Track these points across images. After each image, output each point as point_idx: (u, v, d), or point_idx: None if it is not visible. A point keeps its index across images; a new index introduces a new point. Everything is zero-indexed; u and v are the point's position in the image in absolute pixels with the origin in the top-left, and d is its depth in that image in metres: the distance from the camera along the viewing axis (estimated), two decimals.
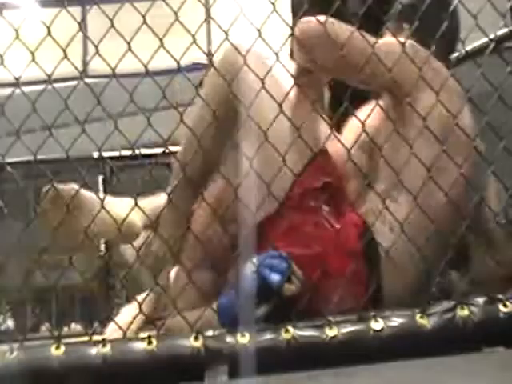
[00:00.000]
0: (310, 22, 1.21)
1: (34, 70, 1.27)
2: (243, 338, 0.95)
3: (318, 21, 1.19)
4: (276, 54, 1.13)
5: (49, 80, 1.23)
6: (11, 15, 1.39)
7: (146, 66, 1.18)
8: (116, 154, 3.62)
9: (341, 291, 1.05)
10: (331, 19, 1.21)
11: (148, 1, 1.43)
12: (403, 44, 1.19)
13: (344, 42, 1.18)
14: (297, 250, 1.11)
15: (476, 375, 0.85)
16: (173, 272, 1.29)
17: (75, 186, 1.22)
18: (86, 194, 1.27)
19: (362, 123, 1.13)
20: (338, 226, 1.17)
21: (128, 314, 1.31)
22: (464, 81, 1.24)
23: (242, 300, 0.98)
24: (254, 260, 1.01)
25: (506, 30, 1.54)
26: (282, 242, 1.11)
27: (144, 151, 3.32)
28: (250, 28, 1.18)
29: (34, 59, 1.17)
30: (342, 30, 1.21)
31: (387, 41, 1.25)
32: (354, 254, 1.14)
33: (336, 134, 1.20)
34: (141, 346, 0.96)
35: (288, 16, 1.21)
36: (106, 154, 3.72)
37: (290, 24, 1.19)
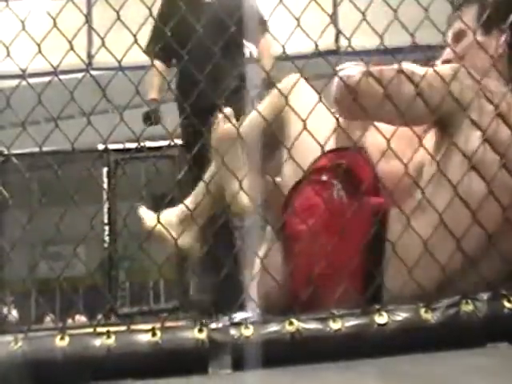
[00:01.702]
0: (354, 73, 1.22)
1: (40, 61, 1.26)
2: (247, 331, 0.95)
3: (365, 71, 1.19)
4: (283, 46, 1.13)
5: (54, 72, 1.23)
6: (17, 7, 1.39)
7: (151, 59, 1.18)
8: (121, 146, 3.63)
9: (340, 264, 1.10)
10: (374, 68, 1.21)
11: None
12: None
13: (390, 88, 1.17)
14: (306, 223, 1.17)
15: (479, 371, 0.85)
16: None
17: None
18: None
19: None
20: (346, 202, 1.20)
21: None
22: None
23: None
24: None
25: None
26: (297, 215, 1.21)
27: (149, 144, 3.33)
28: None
29: (40, 51, 1.17)
30: (385, 74, 1.20)
31: (432, 73, 1.20)
32: (359, 234, 1.15)
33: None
34: (145, 337, 0.96)
35: (295, 8, 1.20)
36: (110, 146, 3.72)
37: (297, 16, 1.18)
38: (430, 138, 1.25)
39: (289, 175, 1.28)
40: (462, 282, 1.10)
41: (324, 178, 1.24)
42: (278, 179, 1.39)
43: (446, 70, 1.21)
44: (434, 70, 1.19)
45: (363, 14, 1.21)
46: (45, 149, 1.23)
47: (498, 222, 1.13)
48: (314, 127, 1.17)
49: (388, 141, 1.14)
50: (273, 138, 1.33)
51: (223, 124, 1.34)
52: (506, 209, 1.12)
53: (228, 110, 1.37)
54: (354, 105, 1.19)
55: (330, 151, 1.23)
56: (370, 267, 1.13)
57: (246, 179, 1.30)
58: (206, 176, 1.43)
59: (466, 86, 1.18)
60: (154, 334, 0.96)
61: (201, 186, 1.43)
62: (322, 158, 1.24)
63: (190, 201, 1.46)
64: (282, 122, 1.34)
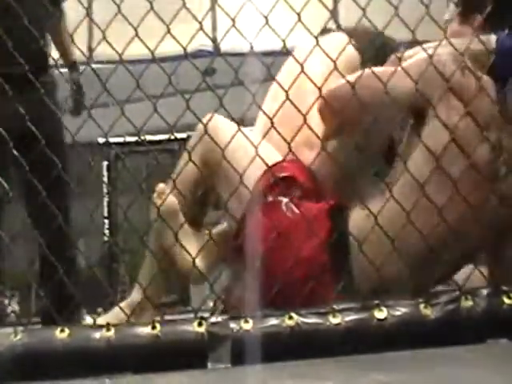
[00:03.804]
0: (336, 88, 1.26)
1: None
2: (247, 324, 0.95)
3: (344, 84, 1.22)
4: (283, 40, 1.13)
5: (55, 65, 1.23)
6: None
7: (152, 52, 1.17)
8: (121, 140, 3.63)
9: (305, 272, 1.14)
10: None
11: None
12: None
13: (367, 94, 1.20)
14: (263, 245, 1.20)
15: (479, 366, 0.85)
16: None
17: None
18: None
19: None
20: (297, 212, 1.24)
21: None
22: None
23: None
24: None
25: None
26: (254, 243, 1.21)
27: (149, 137, 3.33)
28: (256, 15, 1.17)
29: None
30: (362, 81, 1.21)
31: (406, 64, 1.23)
32: (317, 236, 1.19)
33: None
34: (145, 330, 0.96)
35: (295, 3, 1.20)
36: (111, 140, 3.73)
37: (298, 11, 1.18)
38: None
39: (235, 208, 1.28)
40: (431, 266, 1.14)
41: (269, 199, 1.26)
42: (220, 226, 1.40)
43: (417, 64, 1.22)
44: (402, 68, 1.20)
45: (363, 10, 1.20)
46: None
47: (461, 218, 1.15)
48: (244, 152, 1.21)
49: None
50: (207, 185, 1.36)
51: (159, 200, 1.33)
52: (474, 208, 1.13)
53: (162, 186, 1.37)
54: (336, 112, 1.25)
55: (267, 169, 1.25)
56: (337, 263, 1.16)
57: (195, 244, 1.31)
58: (150, 252, 1.42)
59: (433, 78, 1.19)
60: (153, 327, 0.96)
61: (147, 266, 1.41)
62: (262, 178, 1.27)
63: (138, 288, 1.41)
64: (211, 161, 1.33)
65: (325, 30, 1.51)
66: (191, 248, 1.28)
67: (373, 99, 1.21)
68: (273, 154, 1.29)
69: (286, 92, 1.17)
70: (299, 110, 1.18)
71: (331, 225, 1.20)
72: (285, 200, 1.26)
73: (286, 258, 1.19)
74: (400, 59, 1.22)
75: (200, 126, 1.32)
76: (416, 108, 1.22)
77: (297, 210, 1.24)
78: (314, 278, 1.12)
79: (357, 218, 1.19)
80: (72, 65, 2.16)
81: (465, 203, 1.13)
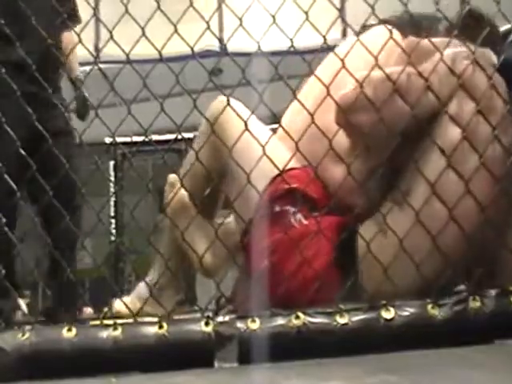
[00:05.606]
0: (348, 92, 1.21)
1: None
2: (253, 324, 0.95)
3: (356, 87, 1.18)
4: (291, 40, 1.12)
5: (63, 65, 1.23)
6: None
7: (160, 52, 1.17)
8: (128, 139, 3.64)
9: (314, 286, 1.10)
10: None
11: None
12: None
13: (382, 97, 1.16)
14: (272, 259, 1.17)
15: (486, 367, 0.84)
16: None
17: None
18: None
19: None
20: (306, 223, 1.20)
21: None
22: None
23: None
24: None
25: None
26: (261, 254, 1.18)
27: (156, 137, 3.33)
28: (263, 14, 1.17)
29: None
30: (378, 84, 1.18)
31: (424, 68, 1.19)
32: (324, 250, 1.16)
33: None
34: (151, 329, 0.96)
35: (303, 2, 1.20)
36: (118, 140, 3.73)
37: (305, 10, 1.17)
38: None
39: (242, 209, 1.23)
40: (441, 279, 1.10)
41: (277, 208, 1.23)
42: (228, 219, 1.38)
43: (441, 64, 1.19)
44: (418, 72, 1.17)
45: (372, 7, 1.20)
46: None
47: (475, 221, 1.13)
48: (255, 152, 1.16)
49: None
50: (216, 175, 1.30)
51: (171, 192, 1.32)
52: (484, 208, 1.12)
53: (173, 176, 1.36)
54: (353, 121, 1.20)
55: (276, 176, 1.22)
56: (344, 276, 1.13)
57: (207, 239, 1.29)
58: (164, 243, 1.41)
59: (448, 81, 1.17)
60: (160, 327, 0.96)
61: (161, 256, 1.40)
62: (271, 184, 1.23)
63: (155, 272, 1.43)
64: (221, 153, 1.29)
65: (365, 27, 1.46)
66: (203, 240, 1.26)
67: (396, 113, 1.17)
68: (285, 156, 1.22)
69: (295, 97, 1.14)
70: (308, 111, 1.15)
71: (339, 239, 1.16)
72: (292, 210, 1.22)
73: (292, 270, 1.17)
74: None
75: (211, 113, 1.29)
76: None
77: (305, 221, 1.21)
78: (320, 293, 1.08)
79: (368, 235, 1.13)
80: (74, 81, 2.14)
81: (481, 207, 1.11)
